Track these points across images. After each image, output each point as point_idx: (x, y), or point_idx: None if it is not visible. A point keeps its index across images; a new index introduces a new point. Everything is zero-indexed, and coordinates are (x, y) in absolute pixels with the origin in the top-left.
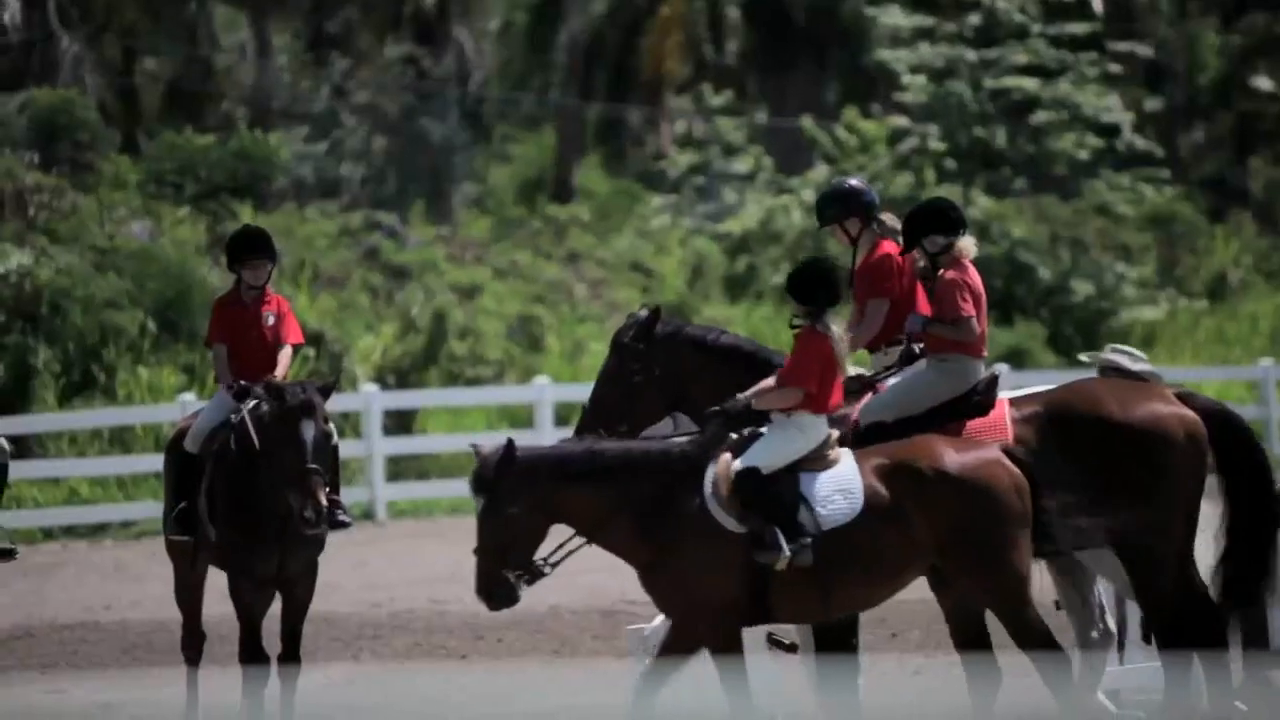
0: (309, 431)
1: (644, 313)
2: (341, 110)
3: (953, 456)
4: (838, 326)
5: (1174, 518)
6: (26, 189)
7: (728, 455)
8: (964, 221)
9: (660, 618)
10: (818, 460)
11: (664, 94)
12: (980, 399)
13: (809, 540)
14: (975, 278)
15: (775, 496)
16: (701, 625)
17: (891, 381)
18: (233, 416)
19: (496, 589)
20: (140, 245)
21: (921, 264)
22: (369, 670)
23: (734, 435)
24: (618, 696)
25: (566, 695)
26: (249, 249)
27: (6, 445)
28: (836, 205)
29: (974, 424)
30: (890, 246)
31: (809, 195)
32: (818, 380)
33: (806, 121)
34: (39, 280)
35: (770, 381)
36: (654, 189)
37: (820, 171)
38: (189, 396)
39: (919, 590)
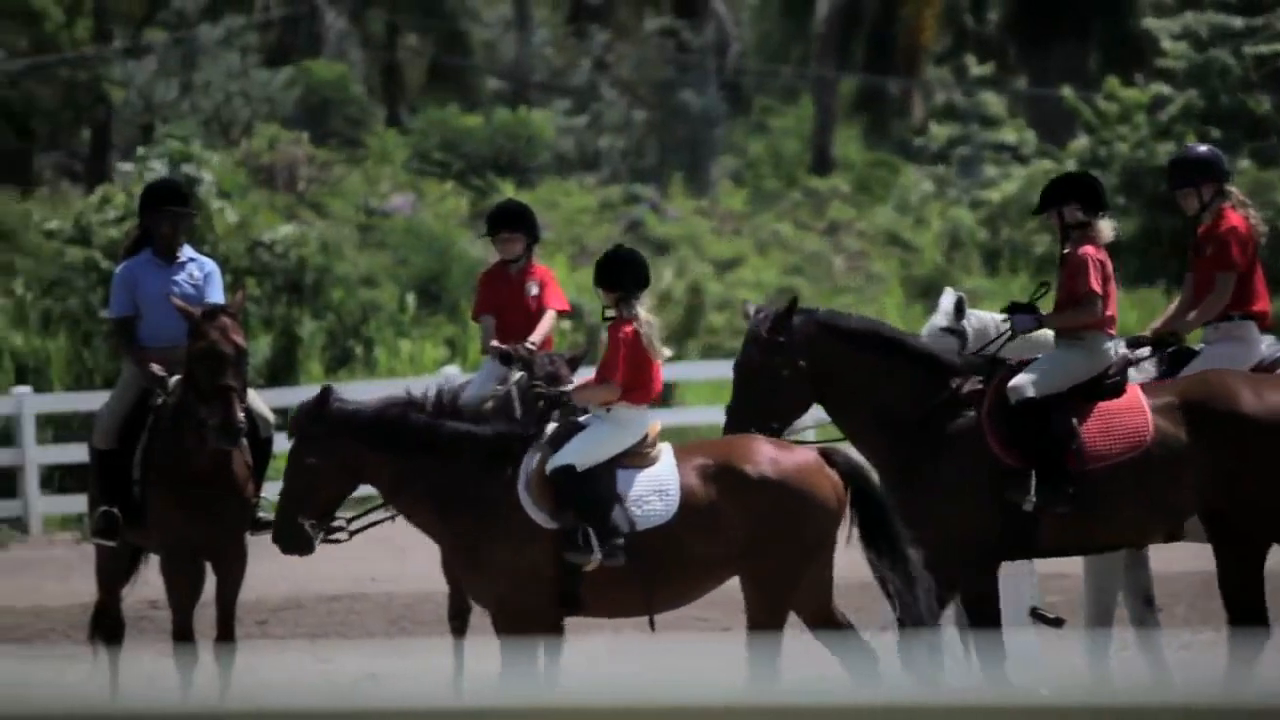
0: None
1: (754, 305)
2: (601, 83)
3: (771, 458)
4: (645, 312)
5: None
6: (297, 162)
7: (545, 449)
8: (1106, 204)
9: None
10: (638, 456)
11: (922, 65)
12: (1114, 380)
13: (621, 541)
14: (1108, 259)
15: (590, 494)
16: (512, 617)
17: (1034, 360)
18: (499, 387)
19: (289, 534)
20: (403, 219)
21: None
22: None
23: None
24: (887, 669)
25: (824, 667)
26: (502, 224)
27: (271, 417)
28: (1195, 169)
29: (1111, 405)
30: (1235, 218)
31: (1071, 167)
32: (627, 372)
33: (1067, 91)
34: (305, 253)
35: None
36: (913, 160)
37: (1081, 142)
38: (452, 369)
39: (1185, 563)
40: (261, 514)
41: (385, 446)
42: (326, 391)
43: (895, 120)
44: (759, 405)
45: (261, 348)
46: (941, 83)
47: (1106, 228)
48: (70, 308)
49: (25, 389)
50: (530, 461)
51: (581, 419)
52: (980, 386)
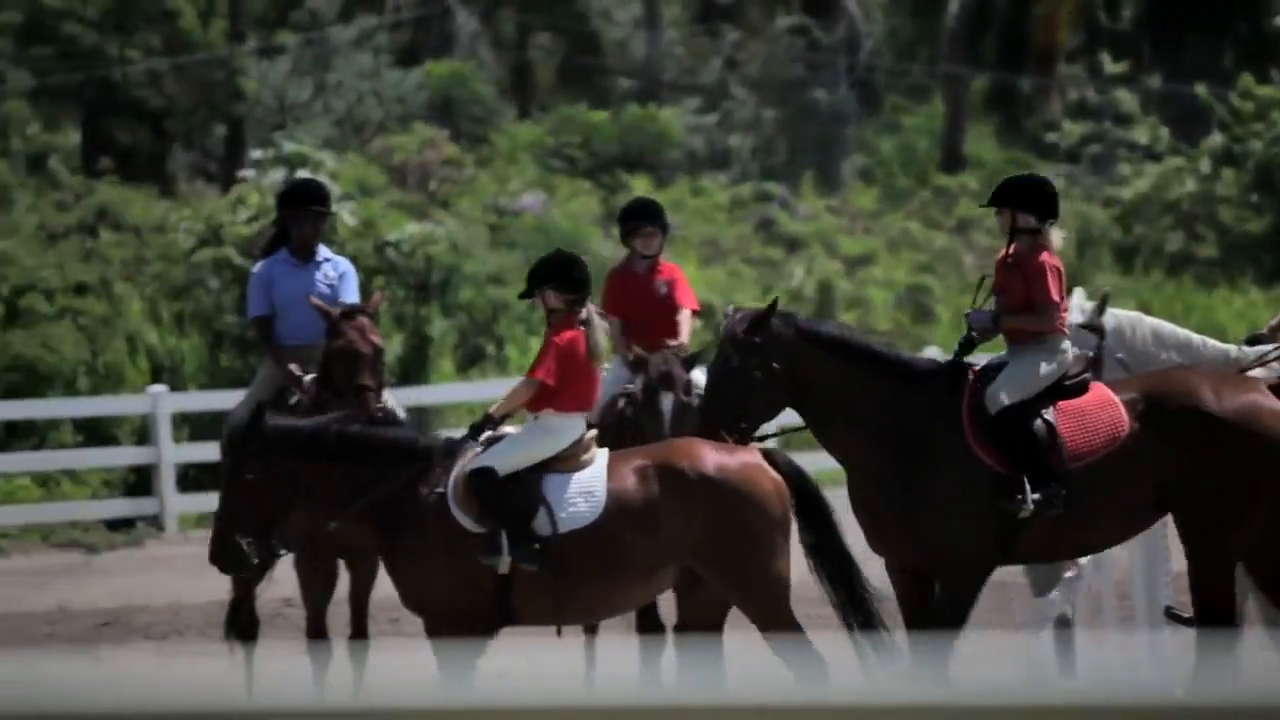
0: (666, 403)
1: (733, 307)
2: (732, 82)
3: (712, 459)
4: (599, 316)
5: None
6: (429, 162)
7: (473, 453)
8: (1058, 212)
9: (1056, 592)
10: (570, 460)
11: (1056, 61)
12: (1078, 379)
13: (538, 545)
14: (1061, 265)
15: (511, 498)
16: (442, 622)
17: (1005, 366)
18: (627, 386)
19: (225, 553)
20: (533, 217)
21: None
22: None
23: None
24: (1006, 668)
25: (958, 668)
26: (641, 218)
27: (404, 416)
28: None
29: (1081, 402)
30: None
31: (1205, 166)
32: (557, 374)
33: (1201, 88)
34: (434, 252)
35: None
36: (1046, 158)
37: (1215, 140)
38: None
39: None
40: None
41: (321, 459)
42: (260, 408)
43: (1028, 118)
44: (730, 406)
45: (393, 347)
46: (1074, 80)
47: (1057, 236)
48: (203, 307)
49: (161, 388)
50: (459, 467)
51: (511, 427)
52: (957, 395)
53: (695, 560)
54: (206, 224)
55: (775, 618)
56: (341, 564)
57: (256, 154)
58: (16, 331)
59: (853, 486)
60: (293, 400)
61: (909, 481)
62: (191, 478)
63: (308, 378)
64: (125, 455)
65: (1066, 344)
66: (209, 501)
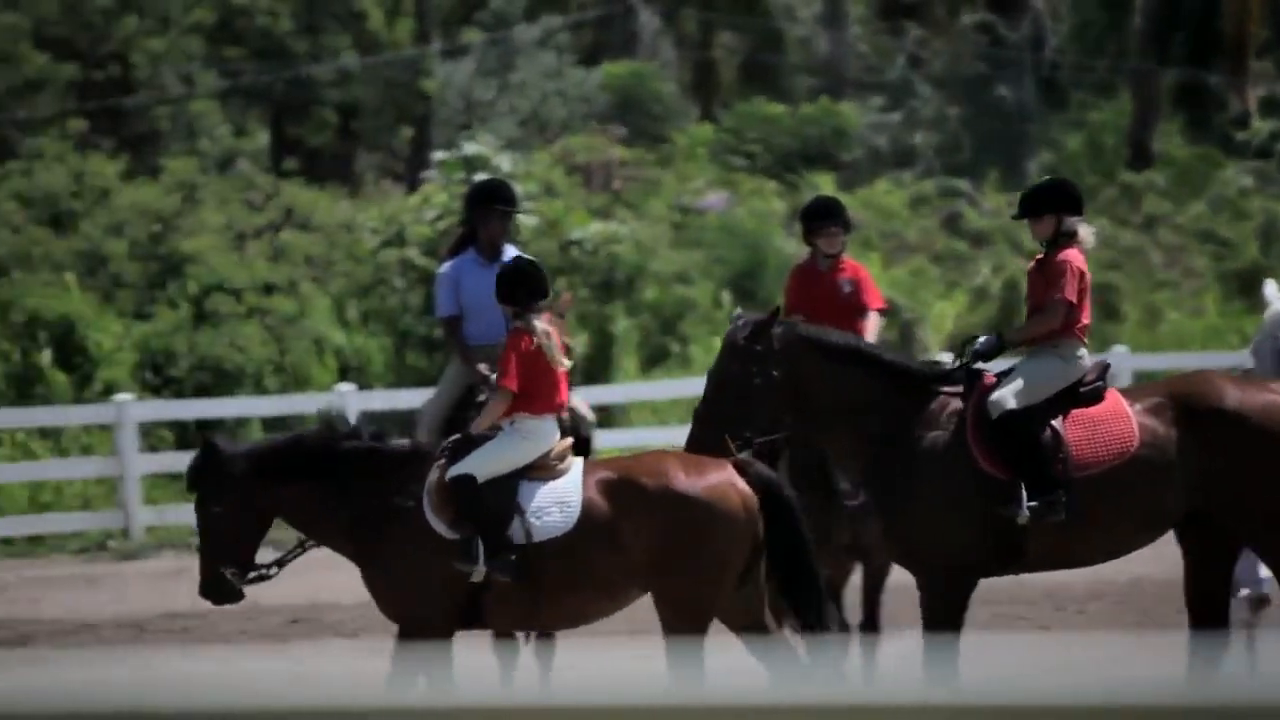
0: None
1: (738, 313)
2: (916, 79)
3: (679, 473)
4: (542, 323)
5: None
6: (611, 161)
7: (448, 461)
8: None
9: (1244, 589)
10: (545, 469)
11: (1246, 57)
12: (1093, 386)
13: (513, 553)
14: (1086, 267)
15: (487, 505)
16: (415, 628)
17: (1012, 371)
18: None
19: (213, 587)
20: (718, 216)
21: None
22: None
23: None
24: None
25: (1144, 668)
26: (823, 216)
27: (590, 415)
28: None
29: (1094, 412)
30: None
31: None
32: (520, 380)
33: None
34: (617, 251)
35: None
36: (1235, 155)
37: None
38: (346, 386)
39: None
40: None
41: (285, 477)
42: (210, 443)
43: (1217, 114)
44: (728, 413)
45: (578, 346)
46: (1264, 76)
47: (1089, 235)
48: (389, 307)
49: (347, 387)
50: (434, 474)
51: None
52: (960, 400)
53: (656, 575)
54: (391, 224)
55: (753, 624)
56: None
57: (440, 155)
58: (205, 331)
59: (866, 495)
60: (480, 399)
61: (899, 485)
62: None
63: (495, 376)
64: None
65: (1082, 350)
66: None
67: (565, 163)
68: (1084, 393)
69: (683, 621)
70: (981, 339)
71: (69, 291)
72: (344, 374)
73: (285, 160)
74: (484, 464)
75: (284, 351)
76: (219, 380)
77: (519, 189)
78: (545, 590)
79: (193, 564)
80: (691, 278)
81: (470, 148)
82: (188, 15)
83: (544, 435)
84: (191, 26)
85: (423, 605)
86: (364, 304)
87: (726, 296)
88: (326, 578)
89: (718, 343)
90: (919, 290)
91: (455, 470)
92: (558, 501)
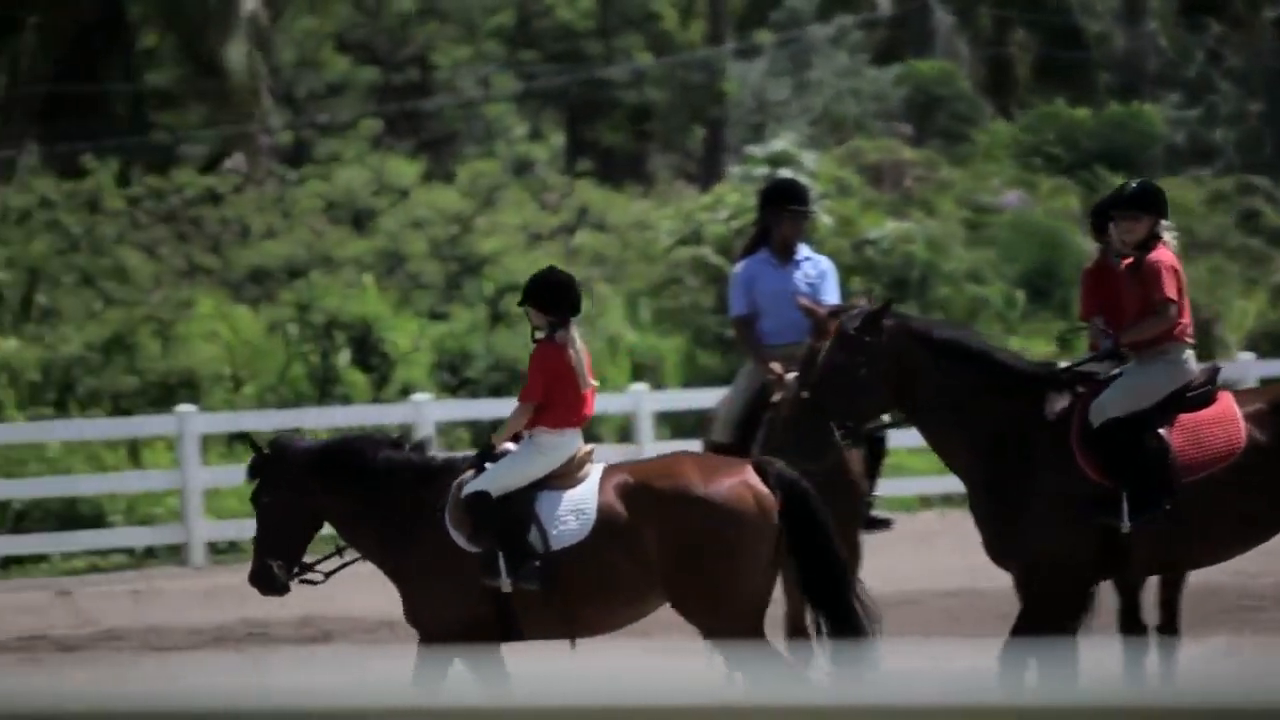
0: None
1: (866, 302)
2: (1215, 75)
3: (694, 476)
4: (576, 335)
5: None
6: (904, 161)
7: (467, 474)
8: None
9: None
10: (565, 478)
11: None
12: (1202, 390)
13: (536, 564)
14: (1181, 266)
15: (505, 518)
16: (442, 640)
17: (1118, 377)
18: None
19: (261, 577)
20: (1013, 215)
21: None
22: (1248, 642)
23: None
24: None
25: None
26: (1131, 205)
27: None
28: None
29: (1201, 416)
30: None
31: None
32: (546, 393)
33: None
34: (911, 250)
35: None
36: None
37: None
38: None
39: None
40: (875, 513)
41: (331, 479)
42: (251, 439)
43: None
44: (831, 402)
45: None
46: None
47: (1172, 239)
48: (682, 306)
49: (641, 386)
50: (455, 487)
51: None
52: (1070, 404)
53: (673, 577)
54: (686, 223)
55: (746, 635)
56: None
57: (752, 149)
58: (501, 332)
59: (968, 493)
60: (774, 398)
61: (1006, 490)
62: None
63: (790, 376)
64: (608, 454)
65: (1188, 353)
66: None
67: (856, 162)
68: (1192, 397)
69: (711, 623)
70: (1103, 345)
71: (367, 292)
72: (637, 373)
73: (580, 161)
74: (500, 478)
75: None
76: (514, 380)
77: (813, 188)
78: (568, 598)
79: None
80: (985, 276)
81: (775, 144)
82: (489, 19)
83: (561, 449)
84: (491, 30)
85: (446, 617)
86: (657, 303)
87: (1020, 295)
88: None
89: (1013, 342)
90: (1217, 288)
91: (471, 486)
92: (574, 509)
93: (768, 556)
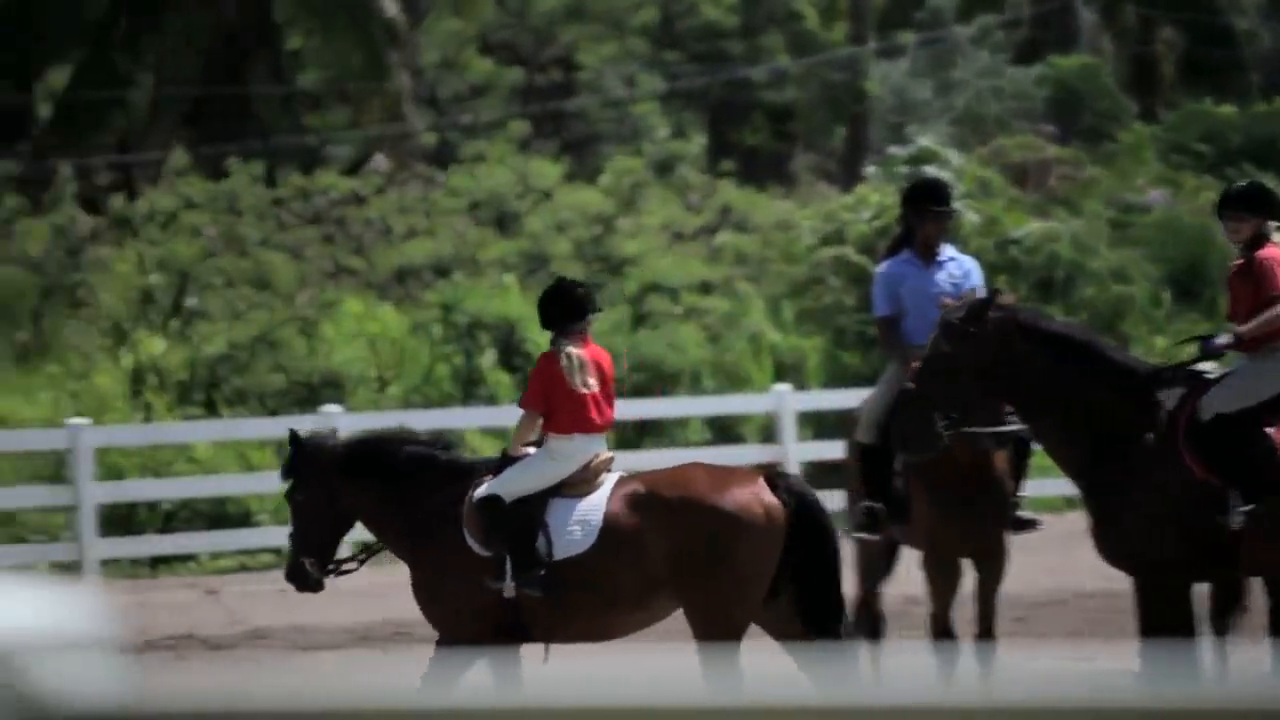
0: None
1: (981, 292)
2: None
3: (704, 485)
4: (571, 345)
5: None
6: (1048, 160)
7: (486, 479)
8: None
9: None
10: (579, 486)
11: None
12: None
13: (540, 570)
14: None
15: (515, 524)
16: (454, 639)
17: (1228, 374)
18: None
19: (296, 574)
20: (1159, 214)
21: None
22: None
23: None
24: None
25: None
26: (1237, 205)
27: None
28: None
29: None
30: None
31: None
32: (543, 402)
33: None
34: (1056, 249)
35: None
36: None
37: None
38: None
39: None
40: (1021, 513)
41: (358, 477)
42: (293, 433)
43: None
44: (934, 392)
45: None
46: None
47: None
48: (824, 306)
49: (784, 386)
50: (471, 490)
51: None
52: (1177, 401)
53: (679, 585)
54: (828, 223)
55: (793, 633)
56: (968, 562)
57: (893, 149)
58: (643, 331)
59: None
60: None
61: (1113, 488)
62: (815, 476)
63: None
64: (752, 453)
65: None
66: (833, 500)
67: (999, 161)
68: None
69: (710, 631)
70: (1221, 338)
71: (510, 293)
72: (779, 373)
73: (722, 161)
74: (511, 483)
75: (721, 351)
76: (656, 380)
77: (955, 187)
78: (572, 605)
79: None
80: (1130, 276)
81: (917, 143)
82: (634, 17)
83: (572, 456)
84: (637, 29)
85: (461, 618)
86: (799, 303)
87: (1166, 295)
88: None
89: (1158, 341)
90: None
91: (483, 490)
92: (581, 519)
93: (771, 564)
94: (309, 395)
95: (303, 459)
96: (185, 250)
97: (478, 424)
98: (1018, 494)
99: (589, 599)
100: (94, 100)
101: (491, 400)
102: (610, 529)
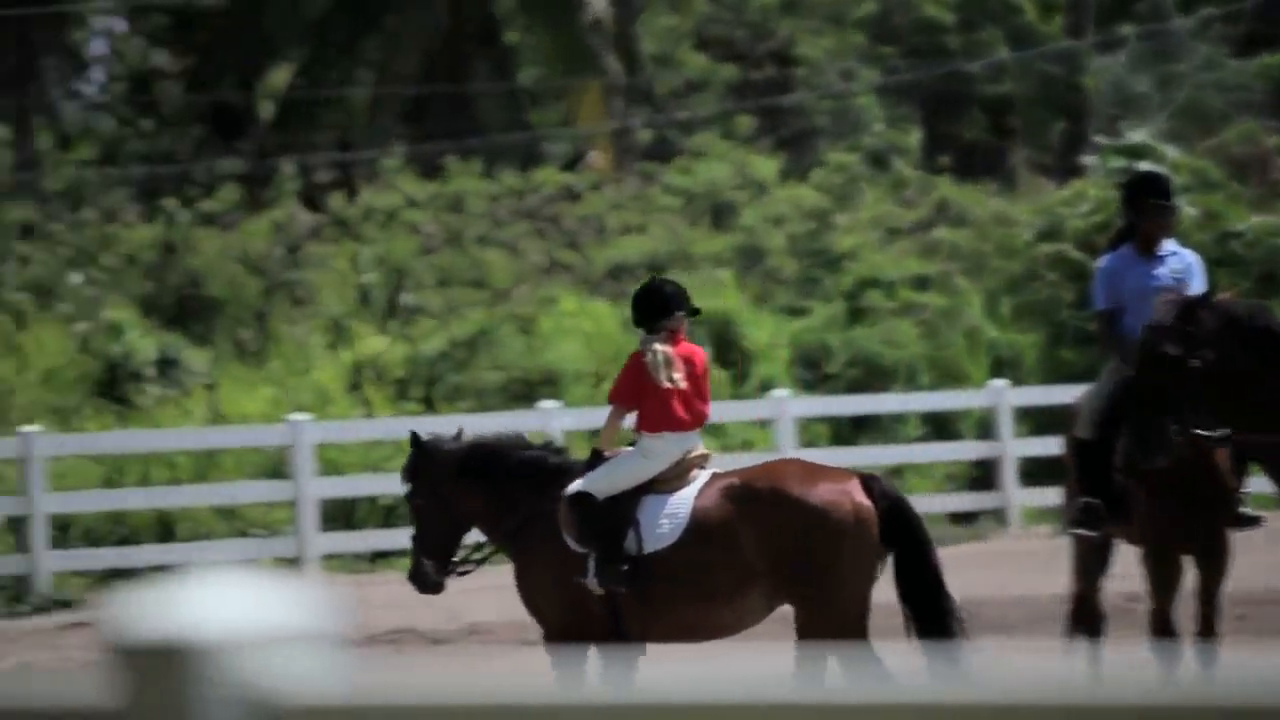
0: None
1: (1231, 295)
2: None
3: (794, 479)
4: (658, 341)
5: None
6: (1269, 153)
7: (581, 476)
8: None
9: None
10: (671, 482)
11: None
12: None
13: (624, 567)
14: None
15: (606, 521)
16: (556, 636)
17: None
18: None
19: (416, 576)
20: None
21: None
22: None
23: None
24: None
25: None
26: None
27: None
28: None
29: None
30: None
31: None
32: (630, 398)
33: None
34: (1277, 243)
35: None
36: None
37: None
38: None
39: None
40: (1244, 509)
41: (470, 480)
42: (414, 435)
43: None
44: (1149, 397)
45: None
46: None
47: None
48: (1042, 301)
49: (1001, 382)
50: (567, 489)
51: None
52: None
53: (769, 582)
54: (1046, 217)
55: (846, 637)
56: (1189, 558)
57: (1109, 142)
58: (859, 327)
59: None
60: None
61: None
62: (1033, 473)
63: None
64: (968, 450)
65: None
66: (1050, 496)
67: (1220, 154)
68: None
69: (812, 628)
70: None
71: (725, 288)
72: (997, 369)
73: (938, 156)
74: (601, 481)
75: (938, 347)
76: (872, 376)
77: (1177, 181)
78: (659, 601)
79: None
80: None
81: (1132, 137)
82: (854, 10)
83: (661, 453)
84: (856, 22)
85: (561, 614)
86: (1017, 299)
87: None
88: (980, 575)
89: None
90: None
91: (575, 487)
92: (670, 514)
93: (866, 565)
94: (526, 392)
95: (421, 462)
96: (402, 248)
97: None
98: (1240, 490)
99: (678, 593)
100: (315, 100)
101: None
102: (698, 522)
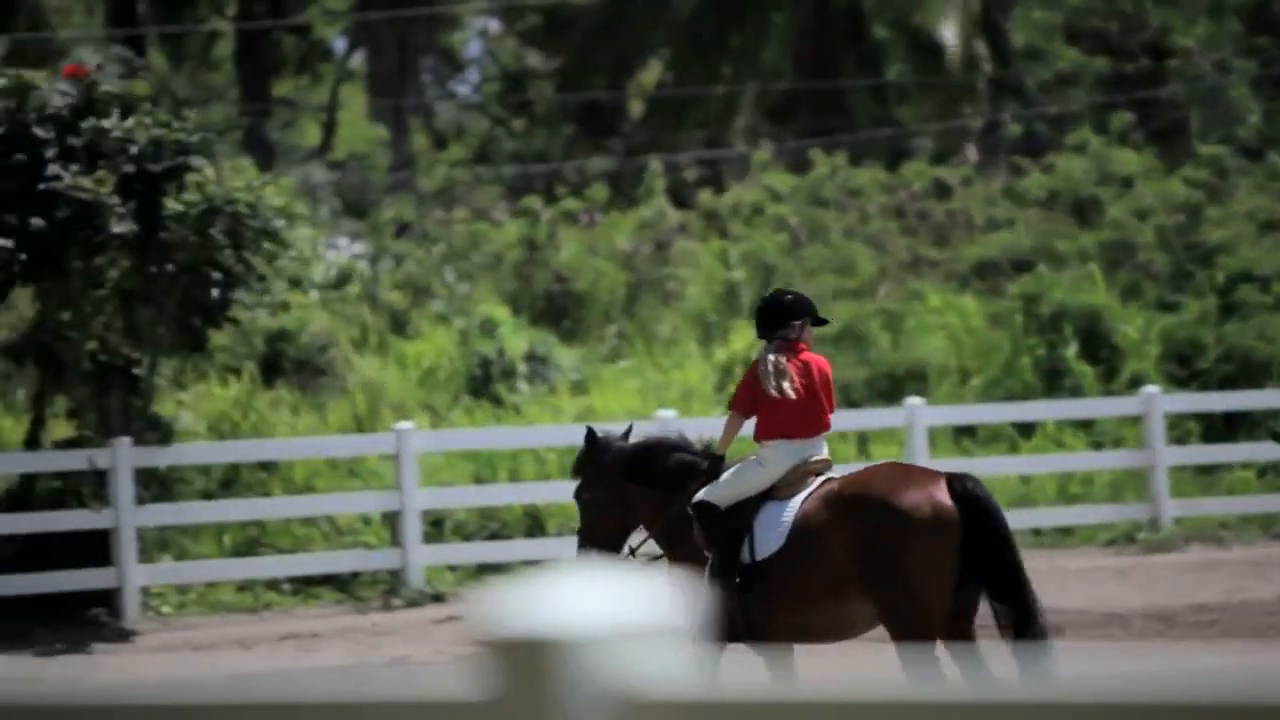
0: None
1: None
2: None
3: (882, 483)
4: (776, 352)
5: None
6: None
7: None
8: None
9: None
10: (789, 488)
11: None
12: None
13: (738, 575)
14: None
15: (724, 528)
16: (701, 634)
17: None
18: None
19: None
20: None
21: None
22: None
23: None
24: None
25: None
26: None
27: None
28: None
29: None
30: None
31: None
32: (747, 407)
33: None
34: None
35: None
36: None
37: None
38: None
39: None
40: None
41: (636, 479)
42: (589, 431)
43: None
44: None
45: None
46: None
47: None
48: None
49: None
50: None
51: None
52: None
53: (863, 585)
54: None
55: (923, 638)
56: None
57: None
58: (1232, 322)
59: None
60: None
61: None
62: None
63: None
64: None
65: None
66: None
67: None
68: None
69: (897, 629)
70: None
71: (1094, 283)
72: None
73: None
74: (723, 489)
75: None
76: (1246, 371)
77: None
78: (770, 604)
79: (1223, 557)
80: None
81: None
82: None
83: (776, 461)
84: (1233, 9)
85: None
86: None
87: None
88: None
89: None
90: None
91: (700, 495)
92: (779, 520)
93: (945, 565)
94: (891, 387)
95: (590, 459)
96: (769, 243)
97: (1060, 416)
98: None
99: (786, 596)
100: (683, 97)
101: (1075, 392)
102: (799, 528)
